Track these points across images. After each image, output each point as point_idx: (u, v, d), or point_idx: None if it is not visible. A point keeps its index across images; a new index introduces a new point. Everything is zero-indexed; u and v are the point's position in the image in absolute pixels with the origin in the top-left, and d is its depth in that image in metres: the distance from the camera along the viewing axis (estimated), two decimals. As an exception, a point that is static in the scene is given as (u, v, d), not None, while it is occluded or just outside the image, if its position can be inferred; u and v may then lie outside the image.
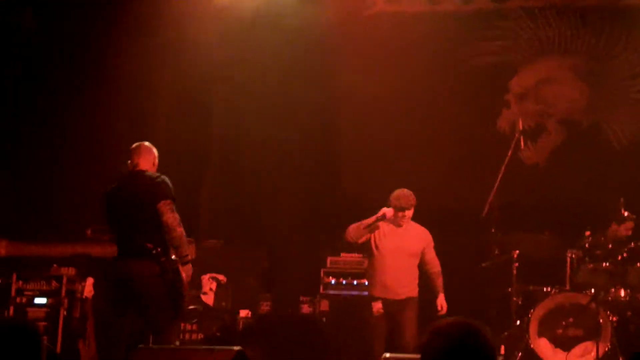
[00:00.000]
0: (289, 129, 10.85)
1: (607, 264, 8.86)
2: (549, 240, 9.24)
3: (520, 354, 8.70)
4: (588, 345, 8.51)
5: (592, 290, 8.71)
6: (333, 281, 9.78)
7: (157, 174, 7.36)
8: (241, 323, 9.49)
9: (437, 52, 10.89)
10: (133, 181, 7.35)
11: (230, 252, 10.34)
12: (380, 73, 10.74)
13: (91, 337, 8.38)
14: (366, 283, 8.80)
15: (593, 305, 8.54)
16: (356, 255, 9.82)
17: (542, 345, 8.64)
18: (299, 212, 10.78)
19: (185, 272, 7.19)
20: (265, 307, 9.83)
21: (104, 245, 8.83)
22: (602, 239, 8.92)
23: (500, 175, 9.50)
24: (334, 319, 9.56)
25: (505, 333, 9.05)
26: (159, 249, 7.06)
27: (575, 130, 11.00)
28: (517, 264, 9.05)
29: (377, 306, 8.29)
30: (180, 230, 7.11)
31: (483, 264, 9.34)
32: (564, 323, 8.69)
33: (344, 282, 9.75)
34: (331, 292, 9.78)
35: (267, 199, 11.12)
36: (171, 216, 7.11)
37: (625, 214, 8.81)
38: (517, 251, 9.14)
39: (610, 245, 8.91)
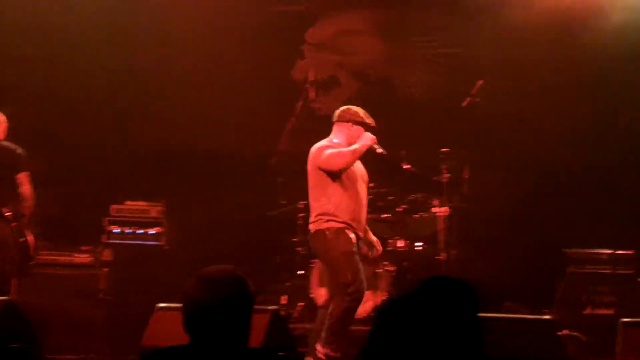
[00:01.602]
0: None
1: (387, 215, 9.08)
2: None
3: (301, 304, 8.82)
4: (366, 294, 8.70)
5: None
6: (117, 230, 9.52)
7: (15, 145, 8.05)
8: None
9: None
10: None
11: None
12: (176, 24, 10.51)
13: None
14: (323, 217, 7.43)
15: (372, 254, 8.73)
16: (142, 203, 9.63)
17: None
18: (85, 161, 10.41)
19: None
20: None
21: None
22: (383, 190, 9.13)
23: (289, 125, 9.58)
24: (119, 269, 9.33)
25: (288, 283, 9.14)
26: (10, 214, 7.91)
27: (367, 83, 11.15)
28: (302, 214, 9.13)
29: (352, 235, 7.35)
30: (32, 201, 8.00)
31: (269, 213, 9.39)
32: (344, 272, 8.84)
33: (128, 230, 9.53)
34: (115, 241, 9.50)
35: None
36: (28, 188, 7.95)
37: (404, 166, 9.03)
38: (304, 201, 9.23)
39: (391, 197, 9.13)
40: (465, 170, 9.35)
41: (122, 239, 9.47)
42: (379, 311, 2.40)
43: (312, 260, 8.79)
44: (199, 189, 10.21)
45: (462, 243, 9.18)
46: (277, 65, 10.87)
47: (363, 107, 10.53)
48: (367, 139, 7.42)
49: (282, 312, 7.86)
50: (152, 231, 9.48)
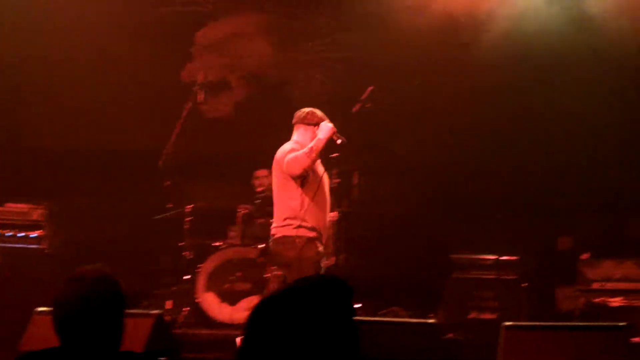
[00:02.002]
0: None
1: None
2: (223, 192, 9.30)
3: (187, 309, 8.70)
4: (254, 299, 8.64)
5: (261, 245, 8.85)
6: (-4, 232, 9.23)
7: None
8: None
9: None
10: None
11: None
12: (66, 21, 10.25)
13: None
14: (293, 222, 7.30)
15: (261, 259, 8.69)
16: (23, 205, 9.35)
17: (208, 300, 8.69)
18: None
19: None
20: None
21: None
22: (272, 194, 9.08)
23: (177, 128, 9.45)
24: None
25: (174, 288, 9.01)
26: None
27: (259, 87, 11.06)
28: (190, 218, 9.01)
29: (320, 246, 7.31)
30: None
31: (156, 217, 9.24)
32: (231, 277, 8.78)
33: (9, 234, 9.24)
34: (-6, 244, 9.20)
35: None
36: None
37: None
38: (192, 205, 9.12)
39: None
40: (355, 175, 9.35)
41: (1, 242, 9.18)
42: (253, 312, 2.34)
43: (199, 265, 8.68)
44: (84, 190, 9.99)
45: (350, 248, 9.18)
46: (168, 65, 10.69)
47: (254, 111, 10.57)
48: (327, 129, 7.30)
49: (167, 317, 7.73)
50: (33, 234, 9.22)
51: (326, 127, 7.27)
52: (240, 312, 8.53)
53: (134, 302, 6.43)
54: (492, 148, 9.86)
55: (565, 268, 9.46)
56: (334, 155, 9.01)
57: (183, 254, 8.97)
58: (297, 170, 7.11)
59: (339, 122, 9.64)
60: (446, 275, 9.05)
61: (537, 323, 6.97)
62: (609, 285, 8.96)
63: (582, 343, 6.20)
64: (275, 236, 7.28)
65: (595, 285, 8.99)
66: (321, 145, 7.17)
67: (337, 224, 9.00)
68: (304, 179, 7.18)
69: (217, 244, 9.00)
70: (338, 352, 2.26)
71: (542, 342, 6.25)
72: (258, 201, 9.10)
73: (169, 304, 8.72)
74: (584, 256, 9.23)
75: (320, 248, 7.22)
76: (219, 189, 9.49)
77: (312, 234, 7.16)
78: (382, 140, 10.00)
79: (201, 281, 8.66)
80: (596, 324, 6.89)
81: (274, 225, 7.36)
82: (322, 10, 11.00)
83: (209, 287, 8.67)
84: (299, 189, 7.18)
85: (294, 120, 7.48)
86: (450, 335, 8.11)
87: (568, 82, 9.58)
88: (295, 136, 7.43)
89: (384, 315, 8.59)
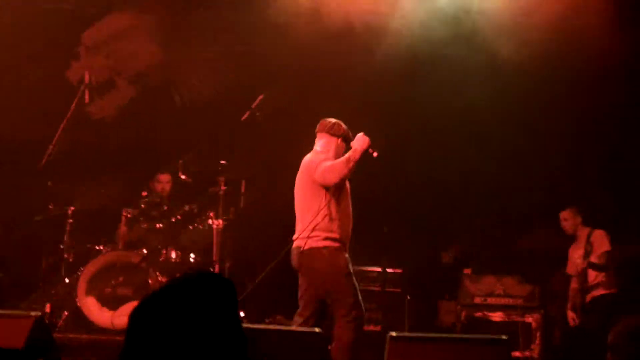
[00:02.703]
0: None
1: (161, 225, 8.89)
2: (107, 195, 9.10)
3: (66, 312, 8.46)
4: (135, 304, 8.44)
5: (144, 250, 8.68)
6: None
7: None
8: None
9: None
10: None
11: None
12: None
13: None
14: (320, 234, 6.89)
15: (144, 264, 8.53)
16: None
17: (89, 304, 8.47)
18: None
19: None
20: None
21: None
22: (159, 200, 8.95)
23: (61, 128, 9.22)
24: None
25: (53, 291, 8.75)
26: None
27: (146, 89, 10.87)
28: (71, 220, 8.78)
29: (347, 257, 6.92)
30: None
31: (36, 217, 8.97)
32: (113, 282, 8.58)
33: None
34: None
35: None
36: None
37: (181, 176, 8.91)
38: (73, 207, 8.89)
39: (165, 207, 8.94)
40: (243, 183, 9.28)
41: None
42: (134, 311, 2.24)
43: (80, 268, 8.45)
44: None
45: (236, 256, 9.09)
46: (54, 65, 10.40)
47: (141, 114, 10.38)
48: (363, 141, 6.91)
49: (47, 320, 7.47)
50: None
51: (362, 139, 6.91)
52: (121, 317, 8.29)
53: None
54: (380, 160, 9.80)
55: (449, 282, 9.57)
56: (223, 162, 8.94)
57: (64, 256, 8.71)
58: (334, 179, 6.79)
59: (226, 128, 9.59)
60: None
61: (422, 334, 6.99)
62: (490, 300, 9.11)
63: (465, 355, 6.25)
64: (303, 248, 6.90)
65: (477, 300, 9.13)
66: (357, 156, 6.82)
67: (223, 231, 8.91)
68: (334, 189, 6.86)
69: (99, 247, 8.77)
70: (223, 343, 2.19)
71: (426, 354, 6.27)
72: (143, 206, 8.92)
73: (48, 307, 8.43)
74: (467, 271, 9.37)
75: (347, 257, 6.89)
76: (103, 192, 9.24)
77: (337, 244, 6.85)
78: (270, 149, 9.89)
79: (82, 285, 8.42)
80: (479, 336, 6.96)
81: (298, 235, 6.97)
82: (211, 14, 10.87)
83: (89, 291, 8.45)
84: (327, 199, 6.86)
85: (318, 129, 7.15)
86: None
87: (460, 96, 9.69)
88: (319, 146, 7.11)
89: (269, 323, 8.52)
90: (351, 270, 6.85)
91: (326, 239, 6.82)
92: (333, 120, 7.14)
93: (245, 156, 9.38)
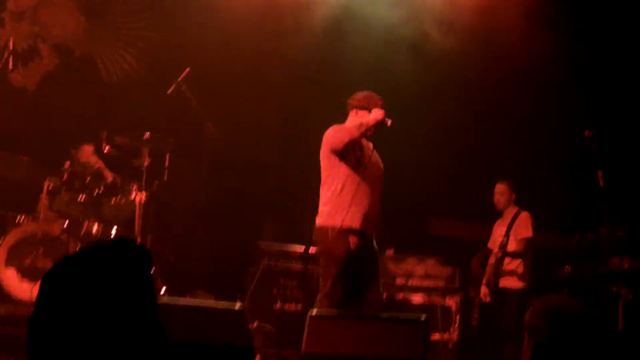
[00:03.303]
0: None
1: (84, 196, 8.76)
2: (28, 164, 8.93)
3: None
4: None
5: (66, 222, 8.55)
6: None
7: None
8: None
9: None
10: None
11: None
12: None
13: None
14: (331, 210, 6.62)
15: (65, 236, 8.41)
16: None
17: (8, 276, 8.32)
18: None
19: None
20: None
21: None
22: (81, 169, 8.81)
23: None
24: None
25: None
26: None
27: (68, 58, 10.69)
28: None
29: (354, 240, 6.54)
30: None
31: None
32: (34, 253, 8.43)
33: None
34: None
35: None
36: None
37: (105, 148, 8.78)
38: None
39: (88, 178, 8.82)
40: (167, 157, 9.17)
41: None
42: (46, 275, 2.20)
43: (1, 238, 8.29)
44: None
45: (159, 230, 9.01)
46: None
47: (65, 84, 10.19)
48: (377, 113, 6.57)
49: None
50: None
51: (377, 112, 6.59)
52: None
53: None
54: (299, 138, 9.77)
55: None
56: (147, 134, 8.81)
57: (-18, 226, 8.55)
58: (343, 140, 6.44)
59: (153, 102, 9.47)
60: (255, 263, 9.01)
61: (342, 313, 7.01)
62: (412, 282, 9.17)
63: (385, 334, 6.28)
64: (315, 225, 6.63)
65: (399, 281, 9.19)
66: (371, 122, 6.49)
67: (145, 205, 8.80)
68: (349, 160, 6.53)
69: (19, 217, 8.59)
70: (134, 309, 2.15)
71: (345, 332, 6.29)
72: (65, 176, 8.77)
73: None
74: (389, 252, 9.41)
75: (353, 242, 6.47)
76: (25, 160, 9.06)
77: (347, 225, 6.48)
78: (195, 124, 9.77)
79: (1, 255, 8.25)
80: (398, 315, 7.01)
81: (318, 211, 6.67)
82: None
83: (9, 262, 8.28)
84: (341, 172, 6.53)
85: (349, 105, 6.86)
86: (256, 322, 8.07)
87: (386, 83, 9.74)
88: (347, 122, 6.83)
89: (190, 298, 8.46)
90: (347, 259, 6.46)
91: (335, 217, 6.50)
92: (363, 92, 6.86)
93: (170, 129, 9.27)
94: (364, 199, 6.53)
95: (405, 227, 9.78)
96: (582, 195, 7.43)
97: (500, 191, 9.03)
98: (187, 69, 9.10)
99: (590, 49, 9.95)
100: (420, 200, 9.94)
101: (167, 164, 9.21)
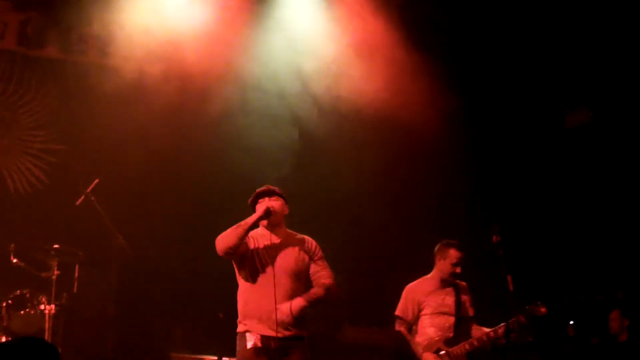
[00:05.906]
0: None
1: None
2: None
3: None
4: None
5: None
6: None
7: None
8: None
9: None
10: None
11: None
12: None
13: None
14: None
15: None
16: None
17: None
18: None
19: None
20: None
21: None
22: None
23: None
24: None
25: None
26: None
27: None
28: None
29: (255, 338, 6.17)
30: None
31: None
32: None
33: None
34: None
35: None
36: None
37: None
38: None
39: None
40: (76, 268, 9.13)
41: None
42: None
43: None
44: None
45: (67, 342, 8.92)
46: None
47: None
48: (259, 210, 6.24)
49: None
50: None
51: (258, 208, 6.26)
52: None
53: None
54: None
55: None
56: (56, 246, 8.79)
57: None
58: (220, 245, 6.09)
59: (62, 213, 9.44)
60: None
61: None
62: None
63: None
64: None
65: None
66: (250, 221, 6.12)
67: (55, 317, 8.73)
68: (242, 266, 6.25)
69: None
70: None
71: None
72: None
73: None
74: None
75: (251, 342, 6.09)
76: None
77: (242, 328, 6.21)
78: (104, 234, 9.74)
79: None
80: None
81: None
82: (40, 99, 10.79)
83: None
84: (239, 278, 6.29)
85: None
86: None
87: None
88: None
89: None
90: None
91: (239, 323, 6.27)
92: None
93: (79, 240, 9.25)
94: (260, 298, 6.16)
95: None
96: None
97: None
98: (96, 180, 9.16)
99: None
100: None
101: (76, 274, 9.16)
